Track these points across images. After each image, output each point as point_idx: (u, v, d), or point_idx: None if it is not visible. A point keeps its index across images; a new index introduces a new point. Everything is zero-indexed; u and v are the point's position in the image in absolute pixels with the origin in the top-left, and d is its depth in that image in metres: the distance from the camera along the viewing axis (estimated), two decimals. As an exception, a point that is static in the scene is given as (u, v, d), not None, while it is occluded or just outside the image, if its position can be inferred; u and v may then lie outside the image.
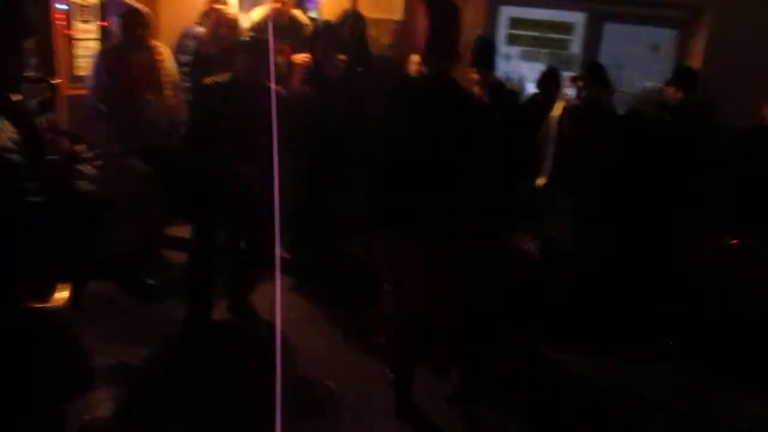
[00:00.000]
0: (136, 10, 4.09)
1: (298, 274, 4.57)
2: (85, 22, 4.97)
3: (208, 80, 3.64)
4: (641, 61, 5.27)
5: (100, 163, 1.66)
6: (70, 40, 4.84)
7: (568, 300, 4.03)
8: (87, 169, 1.60)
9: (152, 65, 4.18)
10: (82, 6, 4.91)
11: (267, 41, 3.69)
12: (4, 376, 1.50)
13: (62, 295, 1.56)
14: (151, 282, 4.29)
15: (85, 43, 4.99)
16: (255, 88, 3.54)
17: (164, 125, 4.21)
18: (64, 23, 4.73)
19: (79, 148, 1.68)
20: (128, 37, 4.08)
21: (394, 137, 2.99)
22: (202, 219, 3.78)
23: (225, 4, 5.02)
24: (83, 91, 4.60)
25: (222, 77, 3.63)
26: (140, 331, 3.79)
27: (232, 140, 3.50)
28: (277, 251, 4.27)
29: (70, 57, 4.86)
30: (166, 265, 4.57)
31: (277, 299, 3.72)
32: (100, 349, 3.25)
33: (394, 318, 3.15)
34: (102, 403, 3.08)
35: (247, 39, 3.77)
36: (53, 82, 4.68)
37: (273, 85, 3.64)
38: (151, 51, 4.20)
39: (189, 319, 3.84)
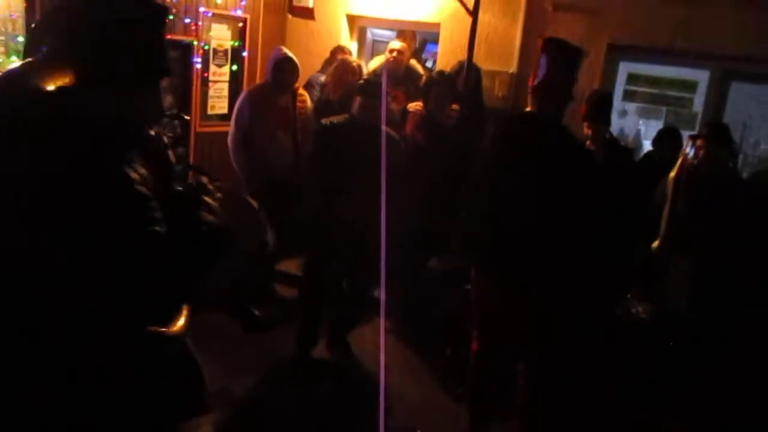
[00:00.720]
0: (289, 59, 4.38)
1: (396, 318, 4.61)
2: (219, 66, 5.38)
3: (325, 121, 3.85)
4: (770, 123, 5.02)
5: (220, 195, 1.75)
6: (204, 81, 5.25)
7: (680, 370, 3.79)
8: (211, 201, 1.68)
9: (291, 108, 4.47)
10: (217, 51, 5.33)
11: (380, 84, 3.85)
12: (129, 394, 1.61)
13: (181, 321, 1.66)
14: (258, 313, 4.47)
15: (217, 85, 5.39)
16: (369, 129, 3.69)
17: (289, 164, 4.44)
18: (200, 66, 5.15)
19: (204, 179, 1.79)
20: (277, 80, 4.38)
21: (499, 176, 2.95)
22: (316, 255, 3.93)
23: (348, 53, 5.29)
24: (214, 129, 4.96)
25: (339, 118, 3.83)
26: (243, 360, 3.95)
27: (345, 179, 3.65)
28: (382, 294, 4.35)
29: (204, 97, 5.26)
30: (275, 298, 4.76)
31: (381, 343, 3.75)
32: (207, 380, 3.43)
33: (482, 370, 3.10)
34: (203, 426, 3.20)
35: (361, 82, 3.95)
36: (186, 118, 5.10)
37: (384, 126, 3.77)
38: (294, 95, 4.49)
39: (294, 352, 3.97)
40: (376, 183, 3.44)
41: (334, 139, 3.73)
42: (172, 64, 1.67)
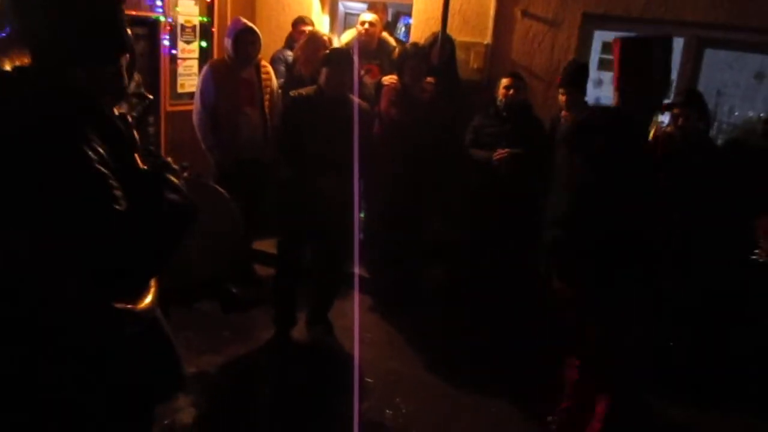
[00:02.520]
0: (250, 29, 4.24)
1: (377, 295, 4.59)
2: (187, 42, 5.24)
3: (294, 93, 3.77)
4: (744, 90, 5.02)
5: (186, 174, 1.75)
6: (173, 59, 5.10)
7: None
8: (174, 179, 1.67)
9: (256, 82, 4.35)
10: (185, 27, 5.19)
11: (349, 53, 3.77)
12: (99, 373, 1.60)
13: (148, 298, 1.64)
14: (235, 291, 4.43)
15: (187, 62, 5.26)
16: (338, 100, 3.63)
17: (259, 140, 4.35)
18: (168, 43, 5.01)
19: (169, 159, 1.78)
20: (239, 53, 4.24)
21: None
22: (288, 232, 3.88)
23: (311, 23, 5.17)
24: (185, 107, 4.83)
25: (307, 90, 3.76)
26: (221, 341, 3.92)
27: (316, 151, 3.59)
28: (356, 270, 4.32)
29: (173, 75, 5.12)
30: (253, 278, 4.71)
31: (355, 319, 3.72)
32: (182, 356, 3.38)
33: None
34: (183, 409, 3.20)
35: (327, 53, 3.86)
36: (149, 97, 4.94)
37: (356, 99, 3.70)
38: (257, 69, 4.37)
39: (275, 331, 3.94)
40: (347, 154, 3.42)
41: (303, 110, 3.66)
42: (134, 42, 1.61)
